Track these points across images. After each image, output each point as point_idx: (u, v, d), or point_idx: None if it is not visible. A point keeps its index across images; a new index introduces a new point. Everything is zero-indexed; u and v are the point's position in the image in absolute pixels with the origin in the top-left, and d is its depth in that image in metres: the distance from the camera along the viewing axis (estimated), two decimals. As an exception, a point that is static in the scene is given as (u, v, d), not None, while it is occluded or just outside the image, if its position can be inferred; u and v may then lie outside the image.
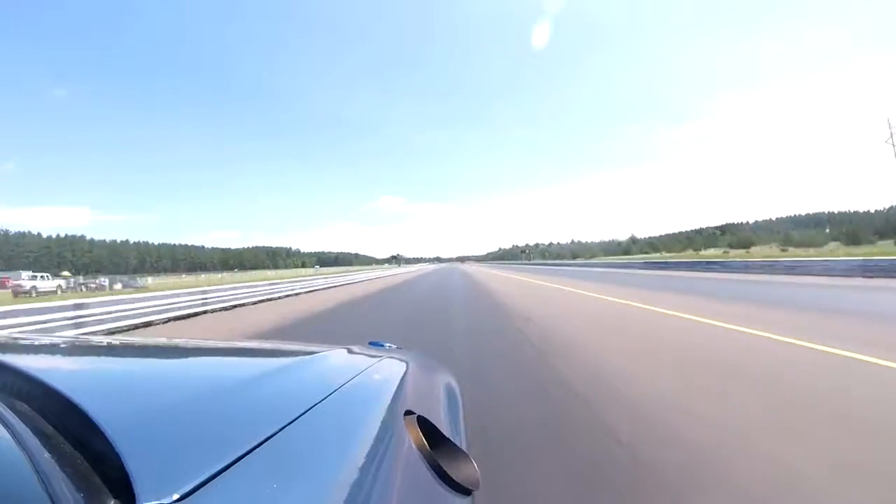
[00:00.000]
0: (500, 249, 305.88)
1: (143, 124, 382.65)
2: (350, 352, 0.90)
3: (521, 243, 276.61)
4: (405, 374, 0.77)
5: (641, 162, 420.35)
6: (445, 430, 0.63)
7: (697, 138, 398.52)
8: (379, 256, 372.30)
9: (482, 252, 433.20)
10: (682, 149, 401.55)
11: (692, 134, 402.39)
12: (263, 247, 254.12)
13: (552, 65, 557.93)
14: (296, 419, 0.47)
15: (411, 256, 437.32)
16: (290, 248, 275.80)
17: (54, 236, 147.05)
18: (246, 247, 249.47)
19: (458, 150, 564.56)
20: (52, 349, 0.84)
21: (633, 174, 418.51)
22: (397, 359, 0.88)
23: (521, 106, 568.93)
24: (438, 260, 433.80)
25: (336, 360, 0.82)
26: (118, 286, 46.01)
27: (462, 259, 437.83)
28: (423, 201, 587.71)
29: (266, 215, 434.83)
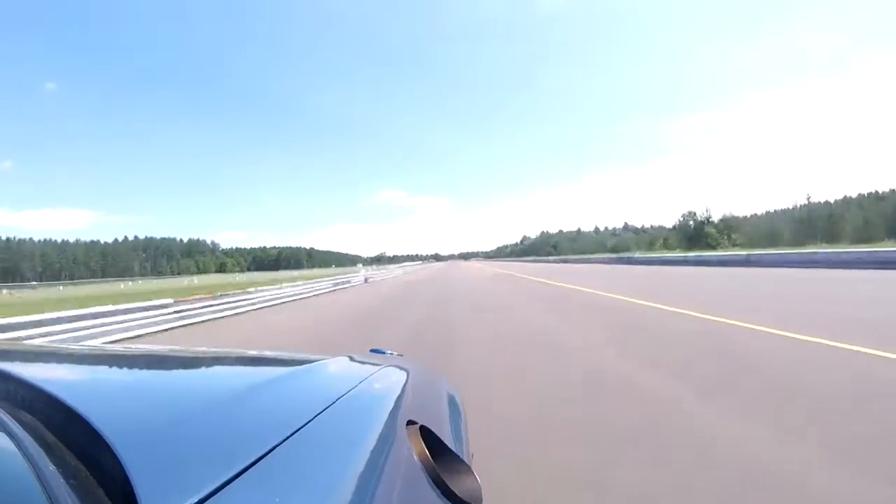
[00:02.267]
0: (523, 240, 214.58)
1: (143, 126, 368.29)
2: (352, 360, 0.90)
3: (554, 229, 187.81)
4: (407, 382, 0.76)
5: (663, 152, 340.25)
6: (448, 440, 0.63)
7: (707, 130, 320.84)
8: (365, 255, 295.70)
9: (490, 247, 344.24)
10: (695, 140, 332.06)
11: (702, 126, 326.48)
12: (146, 239, 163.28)
13: (559, 52, 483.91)
14: (298, 430, 0.47)
15: (405, 254, 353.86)
16: (206, 242, 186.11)
17: None
18: (108, 241, 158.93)
19: (462, 144, 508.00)
20: (55, 358, 0.84)
21: (655, 165, 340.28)
22: (399, 367, 0.88)
23: (527, 100, 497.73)
24: (437, 258, 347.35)
25: (338, 369, 0.82)
26: None
27: (466, 256, 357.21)
28: (426, 195, 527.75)
29: (271, 216, 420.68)
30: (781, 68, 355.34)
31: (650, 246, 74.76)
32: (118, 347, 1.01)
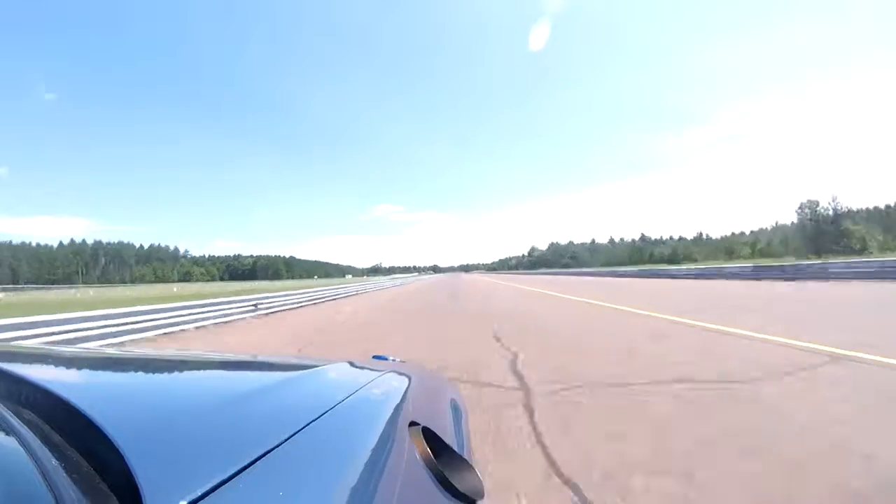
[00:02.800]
0: (532, 251, 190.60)
1: (143, 136, 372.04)
2: (354, 365, 0.92)
3: (563, 241, 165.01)
4: (409, 386, 0.78)
5: (661, 166, 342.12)
6: (450, 441, 0.64)
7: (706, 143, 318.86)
8: (360, 266, 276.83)
9: (491, 259, 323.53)
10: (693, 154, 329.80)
11: (701, 139, 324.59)
12: (95, 243, 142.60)
13: (555, 70, 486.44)
14: (301, 429, 0.48)
15: (403, 265, 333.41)
16: (168, 247, 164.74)
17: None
18: (51, 244, 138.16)
19: (459, 160, 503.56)
20: (58, 359, 0.86)
21: (653, 178, 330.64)
22: (401, 372, 0.89)
23: (526, 114, 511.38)
24: (435, 269, 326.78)
25: (340, 373, 0.84)
26: None
27: (466, 268, 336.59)
28: (424, 210, 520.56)
29: (268, 226, 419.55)
30: (796, 73, 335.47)
31: (728, 254, 52.23)
32: (121, 350, 1.03)
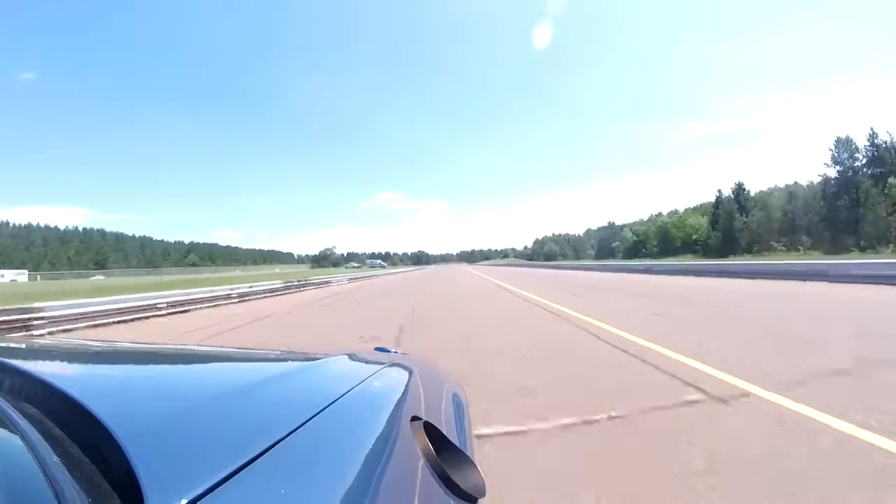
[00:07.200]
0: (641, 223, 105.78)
1: (139, 127, 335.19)
2: (356, 358, 0.92)
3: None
4: (411, 379, 0.78)
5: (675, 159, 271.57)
6: (451, 436, 0.64)
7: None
8: (298, 253, 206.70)
9: (511, 246, 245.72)
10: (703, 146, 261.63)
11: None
12: None
13: (568, 56, 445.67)
14: (303, 424, 0.48)
15: (380, 251, 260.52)
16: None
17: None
18: None
19: (465, 148, 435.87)
20: (60, 353, 0.86)
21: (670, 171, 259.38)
22: (403, 365, 0.89)
23: (534, 101, 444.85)
24: (420, 258, 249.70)
25: (342, 366, 0.84)
26: None
27: (471, 257, 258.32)
28: (425, 198, 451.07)
29: (267, 217, 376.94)
30: (804, 69, 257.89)
31: None
32: (123, 343, 1.03)
